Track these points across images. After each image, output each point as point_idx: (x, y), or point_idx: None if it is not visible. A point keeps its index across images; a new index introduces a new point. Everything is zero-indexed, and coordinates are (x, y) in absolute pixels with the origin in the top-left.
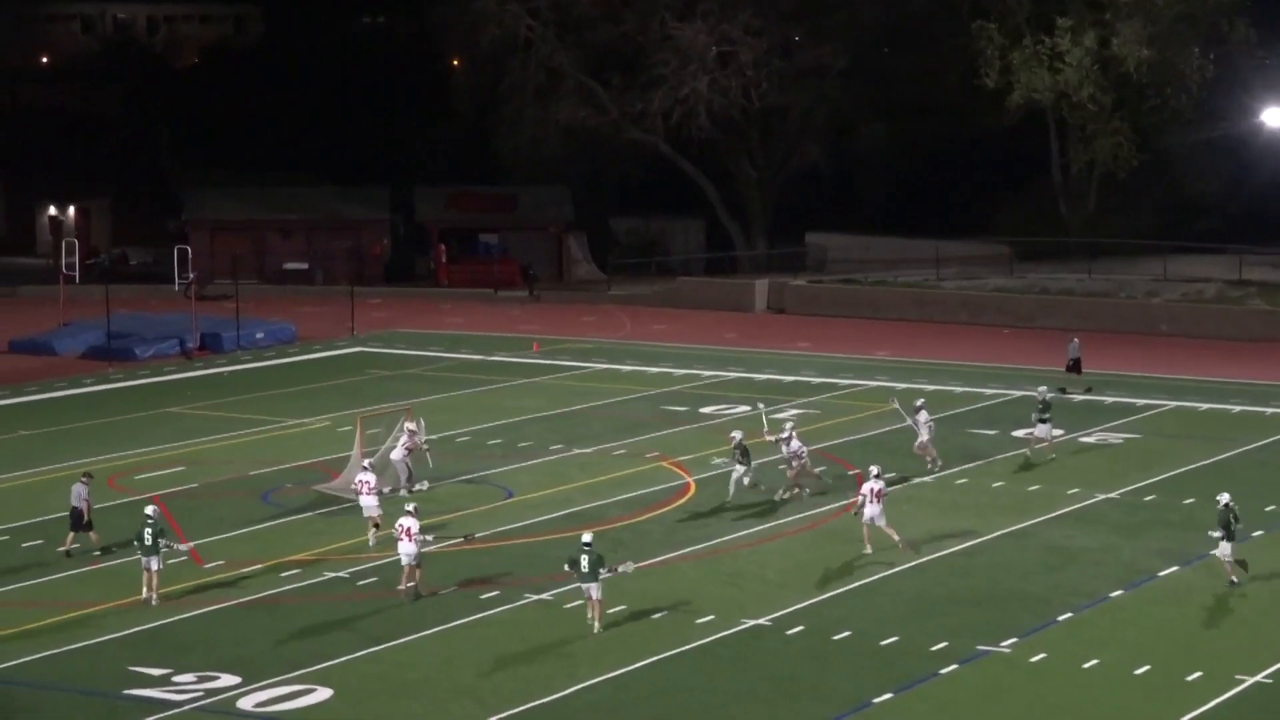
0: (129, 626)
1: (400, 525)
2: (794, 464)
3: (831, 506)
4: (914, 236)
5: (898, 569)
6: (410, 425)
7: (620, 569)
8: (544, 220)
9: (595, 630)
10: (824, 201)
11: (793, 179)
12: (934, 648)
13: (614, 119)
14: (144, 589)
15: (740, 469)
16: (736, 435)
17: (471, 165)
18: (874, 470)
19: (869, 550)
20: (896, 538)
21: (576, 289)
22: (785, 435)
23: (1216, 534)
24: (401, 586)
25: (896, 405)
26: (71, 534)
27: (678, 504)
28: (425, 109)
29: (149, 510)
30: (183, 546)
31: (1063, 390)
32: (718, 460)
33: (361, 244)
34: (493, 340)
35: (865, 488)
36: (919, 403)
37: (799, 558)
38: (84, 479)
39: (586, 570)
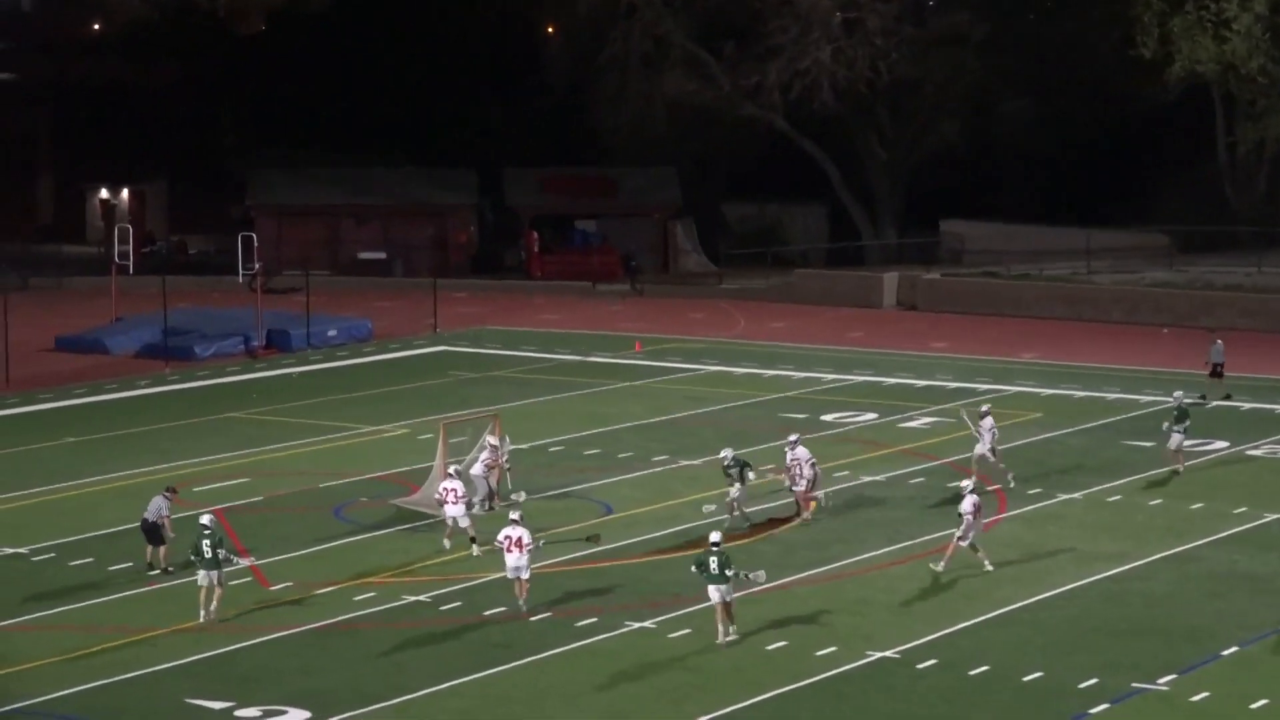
0: (188, 654)
1: (508, 536)
2: (795, 478)
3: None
4: (1062, 225)
5: (1042, 596)
6: (492, 439)
7: (752, 576)
8: (648, 206)
9: (728, 640)
10: (961, 185)
11: (926, 160)
12: (1083, 684)
13: (726, 93)
14: (201, 609)
15: (737, 489)
16: (728, 453)
17: (567, 145)
18: (967, 485)
19: (989, 567)
20: (984, 561)
21: (684, 282)
22: (792, 439)
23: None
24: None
25: (964, 415)
26: (150, 548)
27: (796, 522)
28: (516, 82)
29: (205, 519)
30: (244, 561)
31: (1202, 398)
32: (840, 473)
33: (445, 231)
34: (590, 339)
35: (966, 504)
36: (984, 408)
37: (931, 584)
38: (167, 494)
39: (716, 572)
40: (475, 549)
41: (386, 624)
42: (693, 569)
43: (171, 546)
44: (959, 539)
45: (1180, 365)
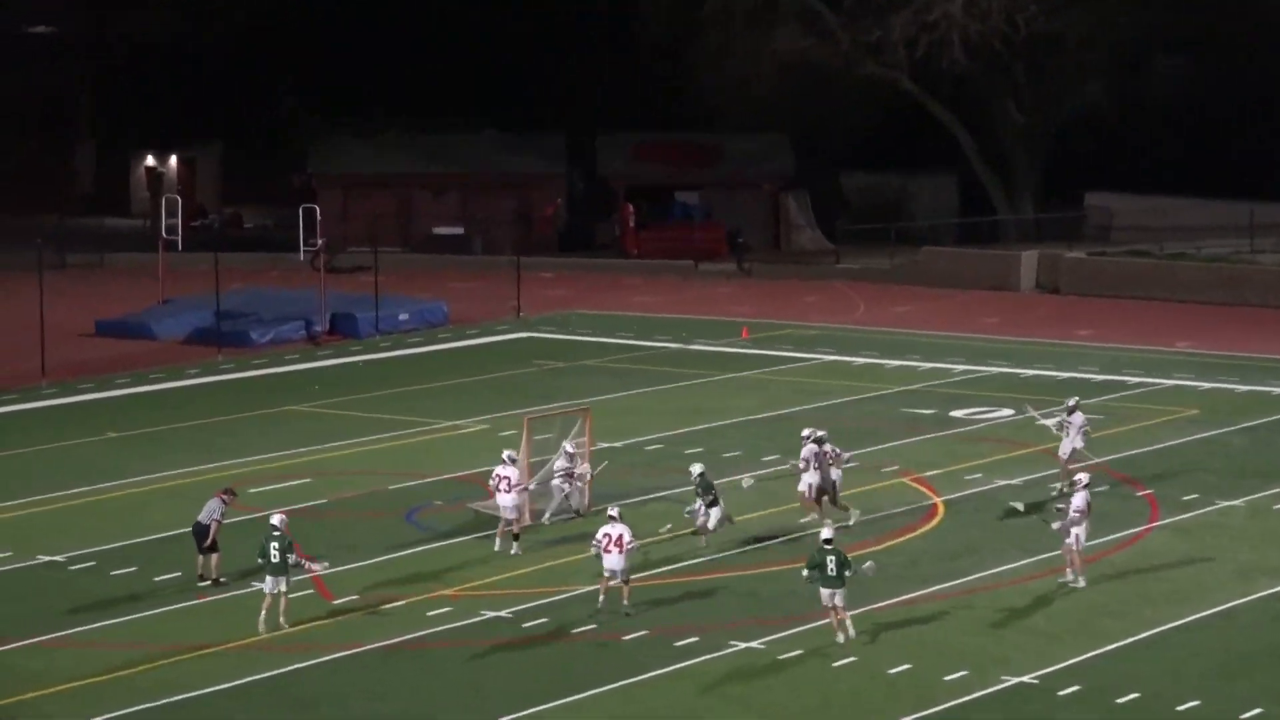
0: (243, 674)
1: (606, 535)
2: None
3: (1114, 536)
4: (1222, 198)
5: (1199, 615)
6: (570, 447)
7: (864, 568)
8: (756, 176)
9: (847, 639)
10: (1108, 154)
11: (1068, 125)
12: (1245, 715)
13: (844, 50)
14: (262, 619)
15: (716, 511)
16: (697, 469)
17: (666, 108)
18: (1082, 479)
19: (1071, 579)
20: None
21: (797, 261)
22: (810, 436)
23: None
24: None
25: (1034, 413)
26: (201, 557)
27: (922, 530)
28: (609, 40)
29: (275, 520)
30: (317, 566)
31: None
32: (971, 476)
33: (530, 204)
34: (692, 324)
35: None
36: (1072, 401)
37: (1075, 599)
38: (224, 496)
39: (833, 574)
40: (515, 547)
41: (462, 642)
42: (804, 573)
43: (223, 556)
44: (1068, 542)
45: None
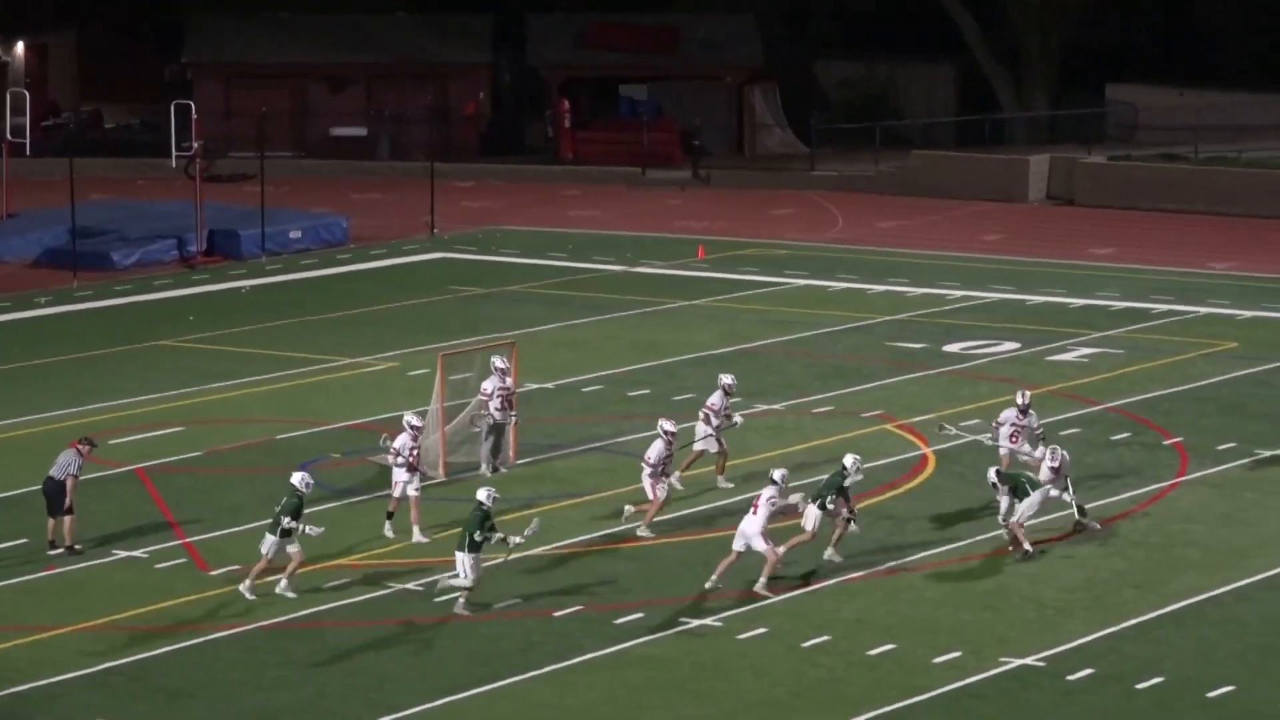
0: (102, 660)
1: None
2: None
3: (1136, 492)
4: (1272, 91)
5: (1235, 586)
6: (500, 362)
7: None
8: (718, 66)
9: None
10: (1135, 40)
11: (1089, 6)
12: None
13: None
14: (249, 583)
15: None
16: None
17: None
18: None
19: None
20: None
21: (764, 167)
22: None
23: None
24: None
25: (950, 430)
26: (52, 520)
27: (909, 486)
28: None
29: (296, 479)
30: (312, 531)
31: None
32: (969, 422)
33: (447, 100)
34: (640, 243)
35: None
36: (1024, 399)
37: (1089, 569)
38: (80, 447)
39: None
40: (387, 528)
41: (364, 621)
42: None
43: (78, 518)
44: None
45: None
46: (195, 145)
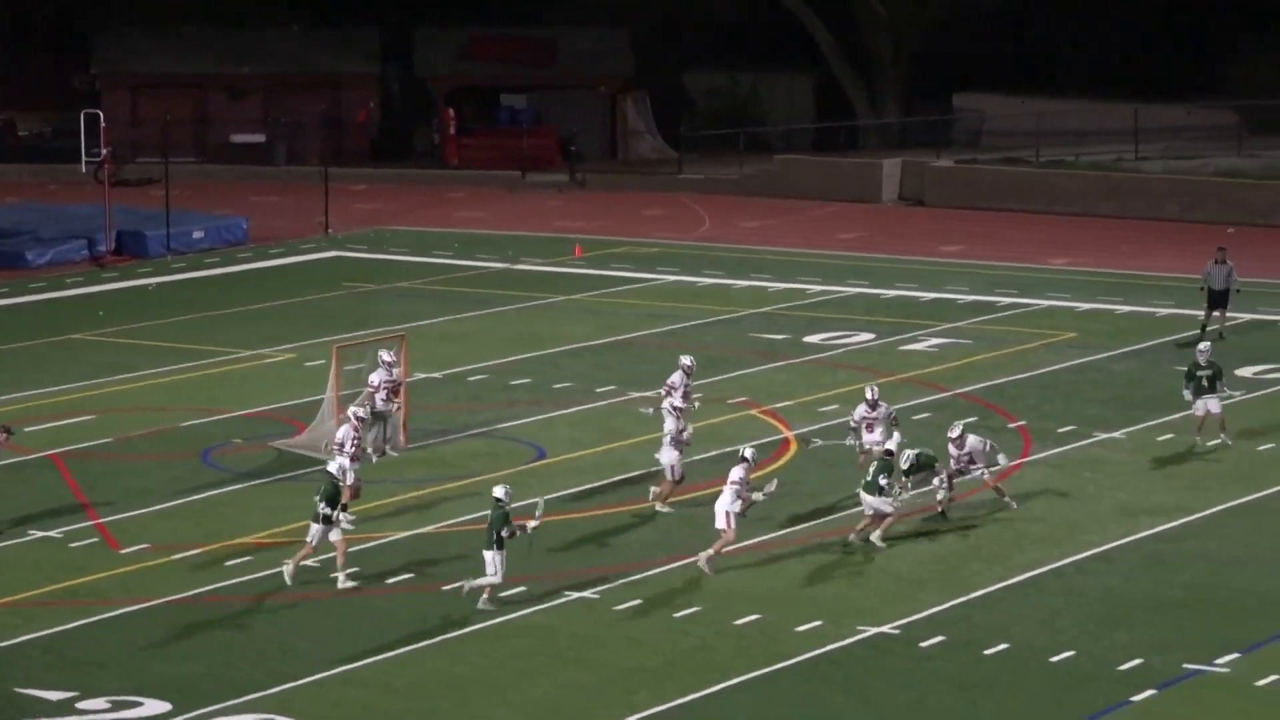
0: (15, 634)
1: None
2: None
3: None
4: (1107, 99)
5: (1075, 558)
6: (387, 355)
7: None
8: (593, 76)
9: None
10: (982, 51)
11: (939, 20)
12: (1124, 666)
13: None
14: (292, 567)
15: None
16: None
17: (494, 1)
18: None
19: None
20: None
21: (636, 171)
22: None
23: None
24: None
25: (818, 442)
26: None
27: (773, 467)
28: None
29: (332, 467)
30: (347, 519)
31: (1220, 336)
32: (827, 408)
33: (340, 109)
34: (519, 241)
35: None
36: (873, 394)
37: (941, 544)
38: None
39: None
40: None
41: (266, 595)
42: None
43: None
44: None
45: (1252, 273)
46: (104, 152)
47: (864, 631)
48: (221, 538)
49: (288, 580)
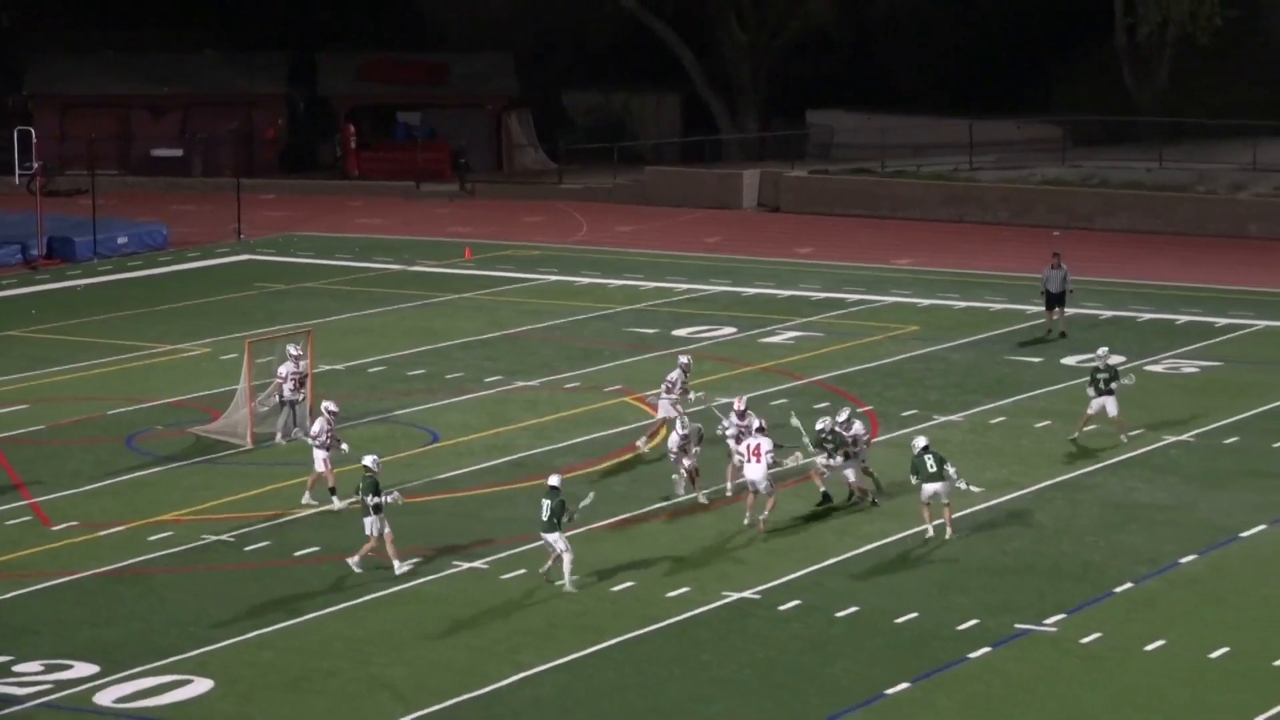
0: None
1: (747, 446)
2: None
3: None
4: (944, 115)
5: (917, 530)
6: (294, 349)
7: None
8: (480, 96)
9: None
10: (832, 72)
11: (793, 44)
12: (961, 627)
13: None
14: (358, 559)
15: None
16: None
17: (390, 26)
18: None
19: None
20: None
21: (520, 181)
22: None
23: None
24: (757, 516)
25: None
26: None
27: (651, 445)
28: None
29: (368, 460)
30: (396, 498)
31: (1062, 335)
32: (694, 394)
33: (251, 125)
34: (415, 246)
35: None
36: (741, 405)
37: (796, 516)
38: None
39: (933, 470)
40: (304, 495)
41: (185, 568)
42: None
43: None
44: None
45: (1077, 271)
46: (35, 165)
47: (728, 596)
48: (144, 515)
49: (355, 570)
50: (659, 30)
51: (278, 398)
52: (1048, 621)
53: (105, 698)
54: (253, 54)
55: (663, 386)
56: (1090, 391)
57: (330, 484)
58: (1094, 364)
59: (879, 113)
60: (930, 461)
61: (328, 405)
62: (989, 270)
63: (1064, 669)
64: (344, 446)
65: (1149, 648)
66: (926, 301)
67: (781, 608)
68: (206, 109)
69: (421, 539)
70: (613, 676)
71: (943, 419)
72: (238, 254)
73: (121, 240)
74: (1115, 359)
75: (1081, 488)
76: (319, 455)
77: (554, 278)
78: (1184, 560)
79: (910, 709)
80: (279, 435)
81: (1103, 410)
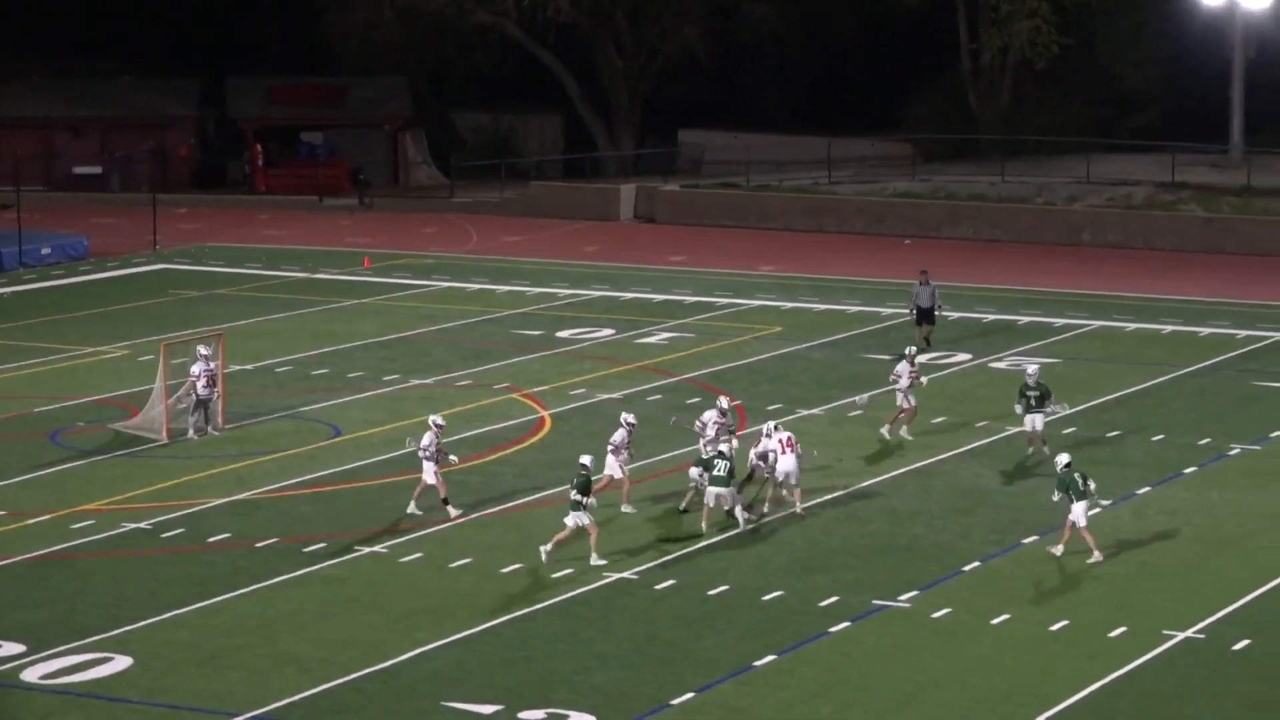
0: None
1: (780, 440)
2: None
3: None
4: (804, 134)
5: (782, 514)
6: (204, 350)
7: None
8: (377, 116)
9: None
10: (703, 95)
11: (666, 69)
12: (823, 603)
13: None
14: (550, 548)
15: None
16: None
17: (294, 53)
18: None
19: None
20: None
21: (415, 195)
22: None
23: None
24: (799, 508)
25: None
26: None
27: (531, 441)
28: None
29: (585, 460)
30: (591, 502)
31: (927, 344)
32: (576, 391)
33: (165, 144)
34: (318, 255)
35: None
36: (724, 404)
37: (672, 504)
38: None
39: (1084, 488)
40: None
41: (105, 553)
42: (1055, 496)
43: None
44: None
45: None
46: None
47: (608, 577)
48: (68, 505)
49: (544, 560)
50: (543, 57)
51: (192, 395)
52: (902, 598)
53: (32, 674)
54: (167, 79)
55: (696, 427)
56: (1018, 408)
57: (442, 494)
58: (1024, 383)
59: (745, 132)
60: (1079, 479)
61: (434, 419)
62: (846, 276)
63: (917, 641)
64: (452, 458)
65: (995, 621)
66: (789, 305)
67: (658, 587)
68: (124, 130)
69: (326, 526)
70: (503, 651)
71: (805, 412)
72: (154, 264)
73: (45, 251)
74: (1033, 367)
75: (933, 474)
76: (428, 467)
77: (446, 284)
78: (1026, 541)
79: (777, 679)
80: (191, 431)
81: (1034, 426)
